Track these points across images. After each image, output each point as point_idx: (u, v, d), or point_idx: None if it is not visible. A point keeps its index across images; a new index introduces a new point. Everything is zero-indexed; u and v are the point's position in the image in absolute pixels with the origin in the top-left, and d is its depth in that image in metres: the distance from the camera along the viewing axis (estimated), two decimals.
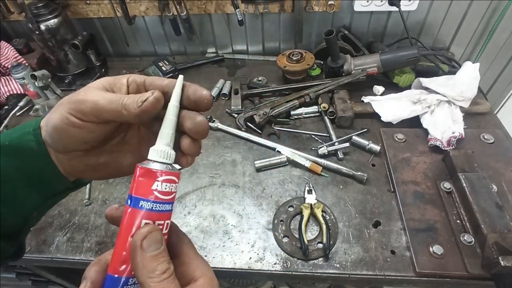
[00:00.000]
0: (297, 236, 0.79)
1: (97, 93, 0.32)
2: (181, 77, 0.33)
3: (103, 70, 1.37)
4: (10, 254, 0.38)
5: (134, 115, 0.30)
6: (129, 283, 0.29)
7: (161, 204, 0.30)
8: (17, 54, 1.27)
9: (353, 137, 1.00)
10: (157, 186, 0.29)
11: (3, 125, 1.14)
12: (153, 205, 0.29)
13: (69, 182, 0.38)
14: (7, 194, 0.34)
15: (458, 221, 0.78)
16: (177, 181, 0.31)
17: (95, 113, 0.31)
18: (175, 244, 0.33)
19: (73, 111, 0.31)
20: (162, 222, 0.30)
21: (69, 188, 0.39)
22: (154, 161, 0.31)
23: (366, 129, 1.04)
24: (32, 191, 0.35)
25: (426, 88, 1.05)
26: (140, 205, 0.29)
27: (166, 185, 0.30)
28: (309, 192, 0.87)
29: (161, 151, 0.31)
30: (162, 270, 0.28)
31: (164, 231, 0.30)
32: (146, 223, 0.29)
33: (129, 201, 0.30)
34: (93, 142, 0.35)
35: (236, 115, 1.11)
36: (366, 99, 1.10)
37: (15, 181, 0.34)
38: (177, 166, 0.33)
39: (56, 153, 0.35)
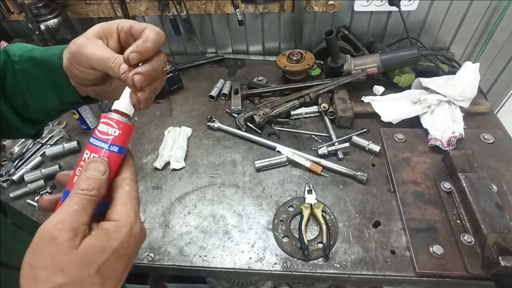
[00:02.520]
0: (297, 236, 0.79)
1: (91, 46, 0.42)
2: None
3: None
4: (31, 134, 0.56)
5: (117, 77, 0.40)
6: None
7: (97, 140, 0.38)
8: None
9: (353, 137, 1.00)
10: (98, 127, 0.39)
11: None
12: (92, 139, 0.38)
13: (79, 97, 0.51)
14: (38, 92, 0.50)
15: (458, 221, 0.78)
16: (115, 126, 0.38)
17: (89, 64, 0.42)
18: (114, 190, 0.38)
19: (73, 61, 0.44)
20: (97, 155, 0.37)
21: (79, 102, 0.52)
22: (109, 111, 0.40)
23: (366, 129, 1.04)
24: (53, 95, 0.50)
25: (426, 88, 1.05)
26: (89, 140, 0.39)
27: (103, 126, 0.38)
28: (309, 192, 0.87)
29: (116, 103, 0.40)
30: (86, 188, 0.34)
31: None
32: (93, 156, 0.37)
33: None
34: (95, 80, 0.47)
35: (236, 115, 1.11)
36: (366, 99, 1.10)
37: (43, 85, 0.49)
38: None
39: None
